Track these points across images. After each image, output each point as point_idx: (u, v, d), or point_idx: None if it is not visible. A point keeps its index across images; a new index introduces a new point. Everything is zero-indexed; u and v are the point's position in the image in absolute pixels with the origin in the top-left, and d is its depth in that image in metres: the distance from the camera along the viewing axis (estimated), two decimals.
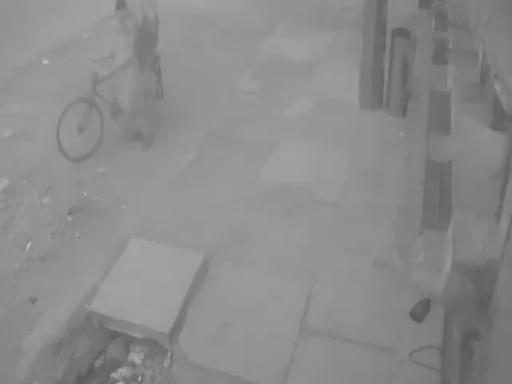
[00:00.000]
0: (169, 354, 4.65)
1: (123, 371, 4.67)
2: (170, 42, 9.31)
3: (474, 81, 6.66)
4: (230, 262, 5.33)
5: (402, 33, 7.16)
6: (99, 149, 6.74)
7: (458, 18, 7.90)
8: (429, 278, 4.95)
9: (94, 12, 9.59)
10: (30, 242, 5.64)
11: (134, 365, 4.73)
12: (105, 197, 6.20)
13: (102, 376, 4.70)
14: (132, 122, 6.89)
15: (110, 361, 4.79)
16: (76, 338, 4.78)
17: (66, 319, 4.86)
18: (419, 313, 4.70)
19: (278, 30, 9.84)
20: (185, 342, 4.64)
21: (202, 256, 5.24)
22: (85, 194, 6.24)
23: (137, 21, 6.33)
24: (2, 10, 9.70)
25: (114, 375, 4.66)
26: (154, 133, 7.04)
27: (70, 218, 5.92)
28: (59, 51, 8.91)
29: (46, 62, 8.73)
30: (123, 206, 6.08)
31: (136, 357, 4.77)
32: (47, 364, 4.59)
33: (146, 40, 6.71)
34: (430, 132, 6.53)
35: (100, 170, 6.58)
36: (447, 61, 7.71)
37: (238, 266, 5.30)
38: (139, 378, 4.63)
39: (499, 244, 4.25)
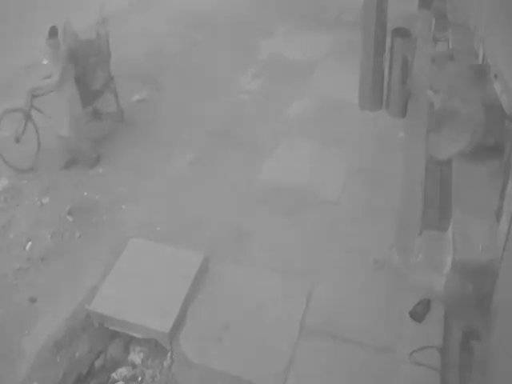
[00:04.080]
0: (169, 354, 4.65)
1: (123, 371, 4.67)
2: (170, 41, 9.34)
3: None
4: (230, 261, 5.33)
5: (402, 33, 7.14)
6: (39, 163, 6.55)
7: (457, 18, 7.88)
8: (429, 278, 4.95)
9: (93, 12, 9.58)
10: (30, 242, 5.64)
11: (134, 365, 4.73)
12: (105, 197, 6.20)
13: (102, 376, 4.70)
14: (72, 146, 6.57)
15: (110, 361, 4.79)
16: (76, 338, 4.79)
17: (66, 319, 4.87)
18: (419, 313, 4.70)
19: (278, 30, 9.84)
20: (185, 342, 4.64)
21: (202, 256, 5.24)
22: (85, 194, 6.24)
23: (68, 48, 6.27)
24: (2, 10, 9.70)
25: (114, 375, 4.66)
26: (97, 154, 6.70)
27: (70, 218, 5.92)
28: None
29: (45, 62, 8.72)
30: (123, 206, 6.08)
31: (136, 357, 4.77)
32: (47, 364, 4.60)
33: (98, 58, 6.71)
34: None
35: (100, 170, 6.58)
36: None
37: (238, 265, 5.30)
38: (139, 378, 4.63)
39: (499, 244, 4.25)
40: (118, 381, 4.63)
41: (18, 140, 6.47)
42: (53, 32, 6.16)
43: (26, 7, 9.71)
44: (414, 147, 6.67)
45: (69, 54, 6.30)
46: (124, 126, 7.28)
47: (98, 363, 4.77)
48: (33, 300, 5.07)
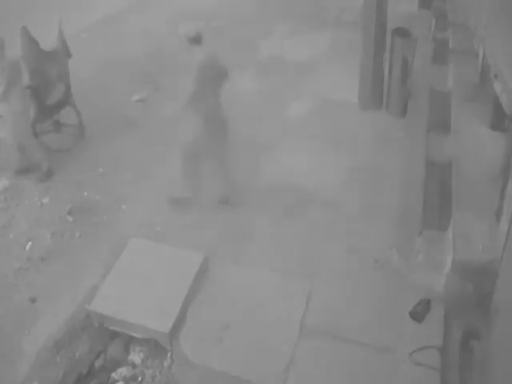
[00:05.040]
0: (169, 354, 4.65)
1: (123, 371, 4.67)
2: (170, 41, 9.32)
3: (473, 81, 6.65)
4: (230, 261, 5.33)
5: (402, 33, 7.15)
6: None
7: (457, 18, 7.89)
8: (429, 278, 4.95)
9: (93, 12, 9.62)
10: (30, 242, 5.64)
11: (134, 365, 4.73)
12: (105, 197, 6.19)
13: (102, 376, 4.69)
14: (23, 156, 6.46)
15: (110, 361, 4.78)
16: (76, 338, 4.79)
17: (66, 319, 4.86)
18: (419, 313, 4.69)
19: (278, 30, 9.84)
20: (185, 342, 4.64)
21: (201, 256, 5.24)
22: (85, 193, 6.24)
23: (14, 59, 6.15)
24: (2, 10, 9.70)
25: (114, 375, 4.65)
26: (48, 168, 6.47)
27: (70, 218, 5.92)
28: None
29: None
30: (123, 206, 6.08)
31: (136, 357, 4.77)
32: (47, 364, 4.59)
33: (59, 71, 6.65)
34: (430, 132, 6.53)
35: (100, 170, 6.58)
36: (447, 61, 7.70)
37: (238, 265, 5.30)
38: (139, 378, 4.63)
39: (499, 244, 4.25)
40: (117, 381, 4.63)
41: None
42: None
43: (26, 7, 9.70)
44: (413, 147, 6.68)
45: (23, 62, 6.17)
46: (84, 141, 7.05)
47: (98, 363, 4.76)
48: (33, 300, 5.07)
